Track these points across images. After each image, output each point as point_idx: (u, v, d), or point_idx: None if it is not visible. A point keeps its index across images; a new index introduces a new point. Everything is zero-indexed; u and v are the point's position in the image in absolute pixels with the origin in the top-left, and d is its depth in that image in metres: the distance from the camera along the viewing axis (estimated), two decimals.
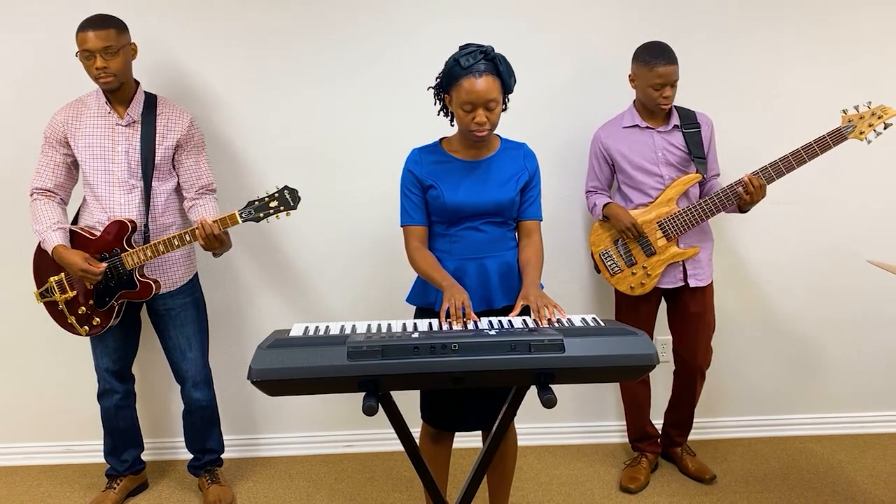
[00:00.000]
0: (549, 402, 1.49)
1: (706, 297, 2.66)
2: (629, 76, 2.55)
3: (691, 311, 2.65)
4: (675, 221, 2.53)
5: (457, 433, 2.21)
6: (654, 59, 2.42)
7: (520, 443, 3.01)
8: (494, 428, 1.73)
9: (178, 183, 2.52)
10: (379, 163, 2.79)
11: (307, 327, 1.68)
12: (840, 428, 3.15)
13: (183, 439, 2.76)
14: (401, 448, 1.73)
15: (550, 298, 1.84)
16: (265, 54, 2.79)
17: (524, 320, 1.75)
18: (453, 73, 1.91)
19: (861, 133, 2.40)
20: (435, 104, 2.06)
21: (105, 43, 2.27)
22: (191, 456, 2.75)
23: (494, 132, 2.09)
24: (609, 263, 2.63)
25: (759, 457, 2.96)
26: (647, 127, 2.57)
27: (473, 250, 2.03)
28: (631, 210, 2.58)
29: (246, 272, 2.94)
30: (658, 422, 2.91)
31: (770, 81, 2.89)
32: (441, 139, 2.11)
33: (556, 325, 1.69)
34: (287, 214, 2.29)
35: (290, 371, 1.45)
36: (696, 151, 2.54)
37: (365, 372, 1.46)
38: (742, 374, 3.08)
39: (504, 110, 2.02)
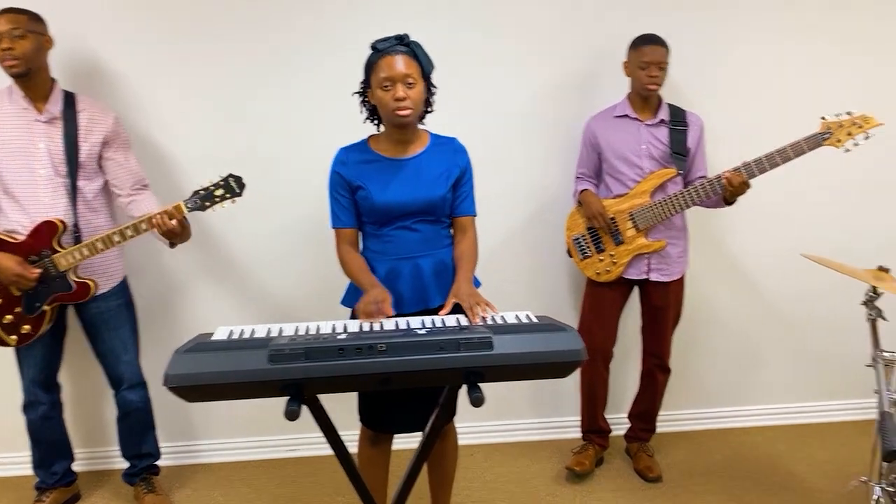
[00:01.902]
0: (477, 401, 1.47)
1: (670, 293, 2.69)
2: (623, 63, 2.60)
3: (654, 305, 2.71)
4: (644, 213, 2.57)
5: (400, 434, 2.17)
6: (642, 43, 2.53)
7: (470, 441, 3.01)
8: (427, 429, 1.70)
9: (106, 182, 2.44)
10: (314, 161, 2.72)
11: (231, 331, 1.61)
12: (781, 419, 3.22)
13: (117, 448, 2.66)
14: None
15: (482, 296, 1.81)
16: (192, 52, 2.69)
17: (457, 318, 1.72)
18: (371, 60, 1.91)
19: (838, 141, 2.39)
20: (361, 112, 2.03)
21: (13, 25, 2.21)
22: (126, 465, 2.66)
23: (426, 129, 2.06)
24: (580, 248, 2.68)
25: (702, 449, 3.00)
26: (636, 119, 2.61)
27: (407, 250, 1.99)
28: (609, 199, 2.61)
29: (177, 272, 2.85)
30: (612, 416, 2.94)
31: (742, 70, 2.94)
32: (369, 137, 2.06)
33: (490, 322, 1.66)
34: (232, 202, 2.26)
35: (208, 376, 1.40)
36: (677, 148, 2.57)
37: (286, 375, 1.41)
38: (685, 368, 3.11)
39: (429, 109, 2.00)
